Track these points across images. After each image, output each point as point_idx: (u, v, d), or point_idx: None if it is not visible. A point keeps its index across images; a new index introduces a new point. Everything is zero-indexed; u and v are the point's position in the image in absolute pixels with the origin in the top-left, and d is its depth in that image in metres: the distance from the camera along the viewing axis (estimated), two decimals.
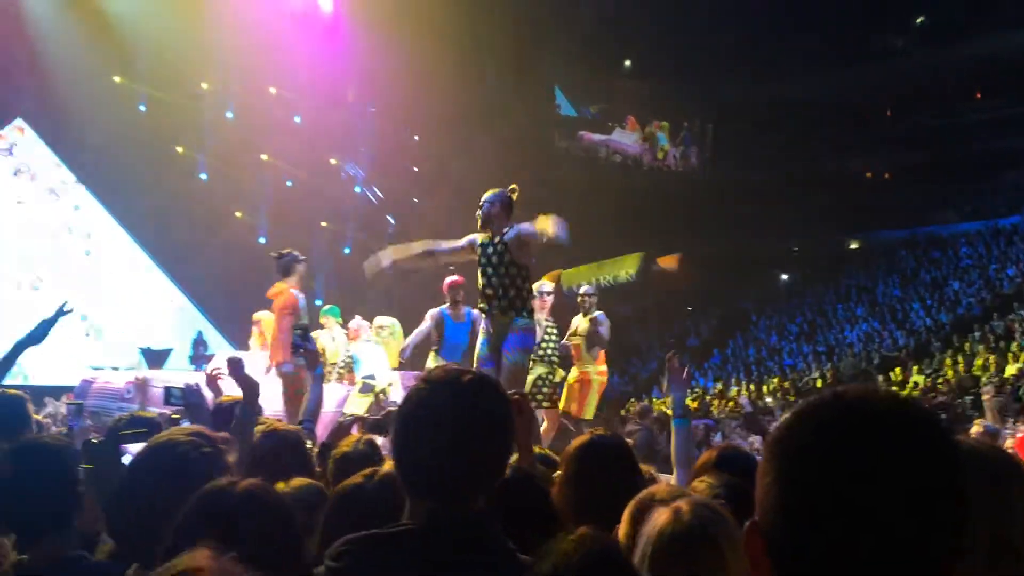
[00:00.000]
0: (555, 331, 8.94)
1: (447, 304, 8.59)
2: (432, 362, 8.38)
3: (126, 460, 2.81)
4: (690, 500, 2.13)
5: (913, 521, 0.88)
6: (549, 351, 8.83)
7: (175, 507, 1.73)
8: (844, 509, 0.89)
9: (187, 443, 2.10)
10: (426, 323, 8.58)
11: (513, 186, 6.83)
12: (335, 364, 9.68)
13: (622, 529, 2.12)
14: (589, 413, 9.09)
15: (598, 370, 9.16)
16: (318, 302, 10.64)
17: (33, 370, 15.16)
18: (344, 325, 9.90)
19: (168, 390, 4.35)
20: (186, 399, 4.11)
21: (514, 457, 2.77)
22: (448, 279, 8.65)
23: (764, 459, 0.98)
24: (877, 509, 0.88)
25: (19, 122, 17.44)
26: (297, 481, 2.52)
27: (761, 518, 0.96)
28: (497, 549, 1.81)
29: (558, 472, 2.77)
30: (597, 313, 9.07)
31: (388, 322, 9.55)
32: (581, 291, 9.30)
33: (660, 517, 2.04)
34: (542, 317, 8.56)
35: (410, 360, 8.96)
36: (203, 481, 1.81)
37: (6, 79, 16.75)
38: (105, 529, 2.61)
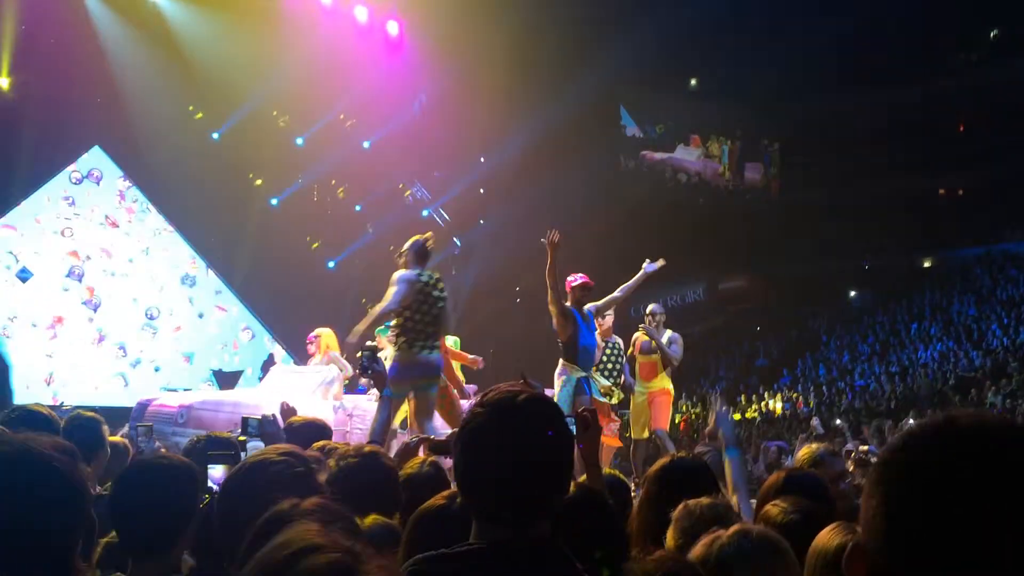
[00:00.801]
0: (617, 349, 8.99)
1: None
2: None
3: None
4: (749, 528, 2.12)
5: None
6: (615, 370, 8.88)
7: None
8: (953, 535, 0.88)
9: (280, 463, 2.13)
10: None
11: (429, 234, 7.38)
12: None
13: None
14: (665, 424, 9.16)
15: (669, 387, 9.23)
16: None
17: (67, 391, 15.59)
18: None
19: (245, 420, 4.40)
20: (263, 429, 4.17)
21: (583, 476, 2.79)
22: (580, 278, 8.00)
23: (871, 481, 0.97)
24: (988, 536, 0.87)
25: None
26: (371, 519, 2.50)
27: (866, 540, 0.96)
28: (562, 570, 1.81)
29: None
30: (670, 332, 9.17)
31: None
32: (648, 310, 9.30)
33: (717, 543, 2.05)
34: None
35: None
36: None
37: (82, 108, 17.22)
38: (189, 548, 2.68)
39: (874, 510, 0.94)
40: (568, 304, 7.84)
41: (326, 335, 9.59)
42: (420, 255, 7.14)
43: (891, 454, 0.97)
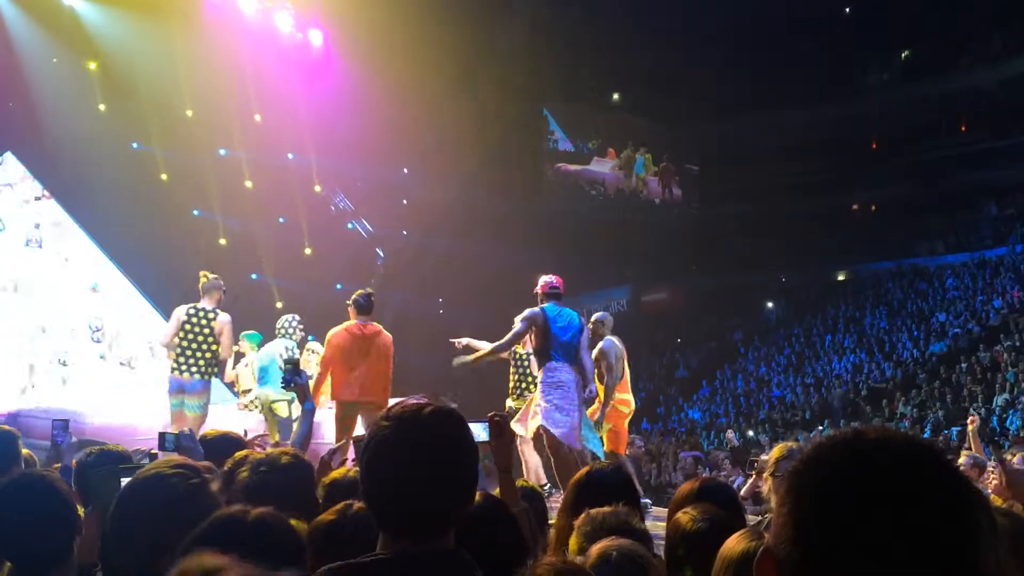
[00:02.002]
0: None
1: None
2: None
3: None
4: (616, 546, 2.19)
5: (925, 561, 0.91)
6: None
7: (168, 539, 1.74)
8: (856, 546, 0.92)
9: (175, 475, 2.10)
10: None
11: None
12: (248, 391, 9.83)
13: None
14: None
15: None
16: (311, 339, 10.69)
17: None
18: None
19: (162, 435, 4.35)
20: (179, 443, 4.13)
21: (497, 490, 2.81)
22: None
23: (783, 490, 1.00)
24: (890, 548, 0.91)
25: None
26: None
27: (775, 546, 0.99)
28: None
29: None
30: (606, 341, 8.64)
31: (321, 348, 9.35)
32: (593, 318, 8.82)
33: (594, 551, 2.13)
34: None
35: None
36: (193, 512, 1.83)
37: None
38: (100, 561, 2.64)
39: (784, 517, 0.98)
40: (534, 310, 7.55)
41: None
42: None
43: (802, 465, 1.00)
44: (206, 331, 8.11)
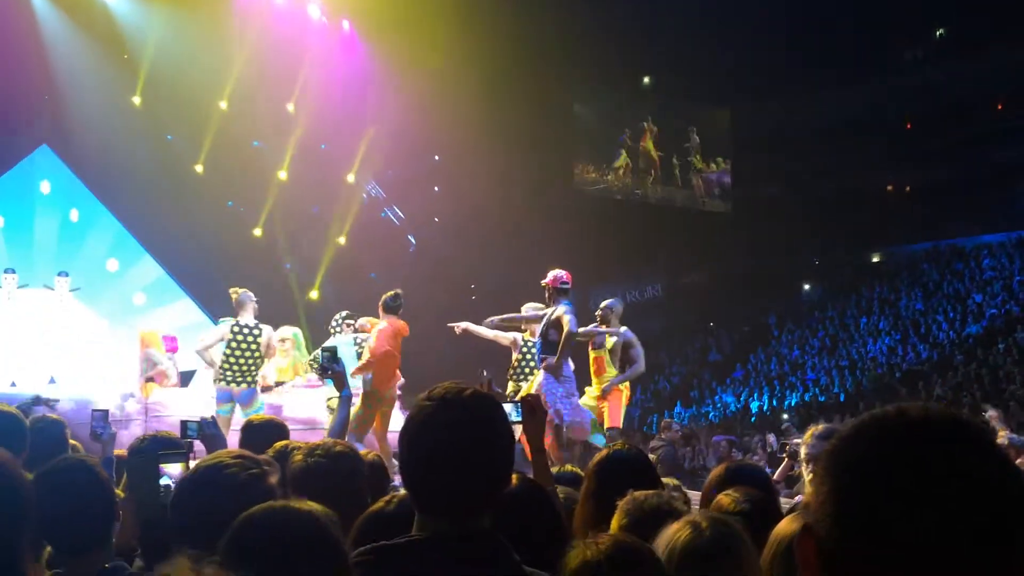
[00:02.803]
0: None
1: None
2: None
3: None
4: (707, 515, 2.18)
5: (971, 538, 0.91)
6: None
7: (223, 528, 1.77)
8: (900, 523, 0.93)
9: (234, 465, 2.16)
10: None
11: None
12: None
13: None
14: (618, 422, 9.03)
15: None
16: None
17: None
18: None
19: (184, 423, 4.38)
20: (202, 431, 4.17)
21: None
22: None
23: (822, 468, 1.01)
24: (935, 525, 0.91)
25: None
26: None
27: (815, 524, 0.99)
28: (502, 563, 1.84)
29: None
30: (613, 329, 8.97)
31: (289, 333, 10.32)
32: (603, 304, 9.09)
33: (680, 531, 2.09)
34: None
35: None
36: (250, 502, 1.86)
37: (27, 107, 16.91)
38: (140, 546, 2.70)
39: (824, 495, 0.99)
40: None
41: (146, 334, 10.61)
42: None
43: (843, 442, 1.00)
44: (253, 346, 8.75)
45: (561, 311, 7.95)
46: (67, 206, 17.66)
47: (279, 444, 3.53)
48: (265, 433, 3.97)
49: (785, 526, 2.22)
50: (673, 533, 2.10)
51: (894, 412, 1.00)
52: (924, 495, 0.92)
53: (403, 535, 1.84)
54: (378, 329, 8.45)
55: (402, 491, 2.36)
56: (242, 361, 8.68)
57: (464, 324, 8.95)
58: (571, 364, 8.04)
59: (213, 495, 2.08)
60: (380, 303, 8.52)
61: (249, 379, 8.74)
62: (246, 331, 8.76)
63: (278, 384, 10.16)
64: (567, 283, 8.14)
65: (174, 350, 10.85)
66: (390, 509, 2.30)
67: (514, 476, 2.02)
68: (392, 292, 8.54)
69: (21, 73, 16.48)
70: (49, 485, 2.39)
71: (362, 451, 3.62)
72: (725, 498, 2.56)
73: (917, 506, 0.92)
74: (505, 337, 9.12)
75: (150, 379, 10.11)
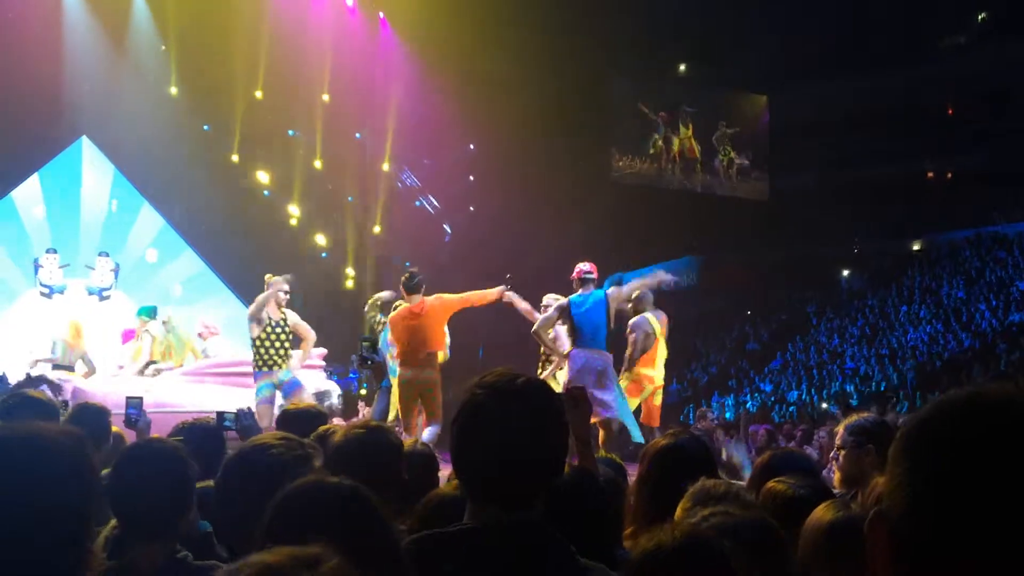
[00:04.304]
0: None
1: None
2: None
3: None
4: (740, 506, 2.13)
5: None
6: None
7: (265, 508, 1.75)
8: (981, 508, 0.89)
9: (279, 446, 2.15)
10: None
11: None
12: (153, 363, 10.56)
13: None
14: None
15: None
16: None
17: None
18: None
19: (220, 414, 4.37)
20: (239, 422, 4.16)
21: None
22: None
23: (896, 451, 0.97)
24: (1013, 511, 0.87)
25: None
26: None
27: (888, 509, 0.96)
28: (555, 553, 1.82)
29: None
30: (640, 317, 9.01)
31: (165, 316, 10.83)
32: (633, 296, 9.02)
33: (712, 519, 2.05)
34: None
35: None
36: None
37: (66, 98, 17.06)
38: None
39: (898, 479, 0.95)
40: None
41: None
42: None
43: (919, 424, 0.97)
44: (284, 333, 8.80)
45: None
46: (107, 197, 17.81)
47: (321, 429, 3.53)
48: (303, 421, 3.96)
49: (820, 514, 2.19)
50: (703, 520, 2.06)
51: (971, 393, 0.96)
52: (1008, 480, 0.88)
53: (455, 524, 1.83)
54: (388, 321, 8.47)
55: None
56: (276, 346, 8.73)
57: (510, 294, 8.81)
58: (592, 356, 7.93)
59: (258, 475, 2.09)
60: (402, 287, 8.47)
61: (281, 365, 8.76)
62: (281, 321, 8.79)
63: (150, 364, 10.45)
64: (591, 273, 8.17)
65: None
66: (461, 494, 2.31)
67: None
68: (407, 273, 8.47)
69: (60, 65, 16.66)
70: (133, 467, 2.40)
71: (407, 440, 3.60)
72: (779, 484, 2.52)
73: (1001, 491, 0.88)
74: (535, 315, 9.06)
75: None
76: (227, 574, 1.12)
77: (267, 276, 9.02)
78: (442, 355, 8.36)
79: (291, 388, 8.72)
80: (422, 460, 3.31)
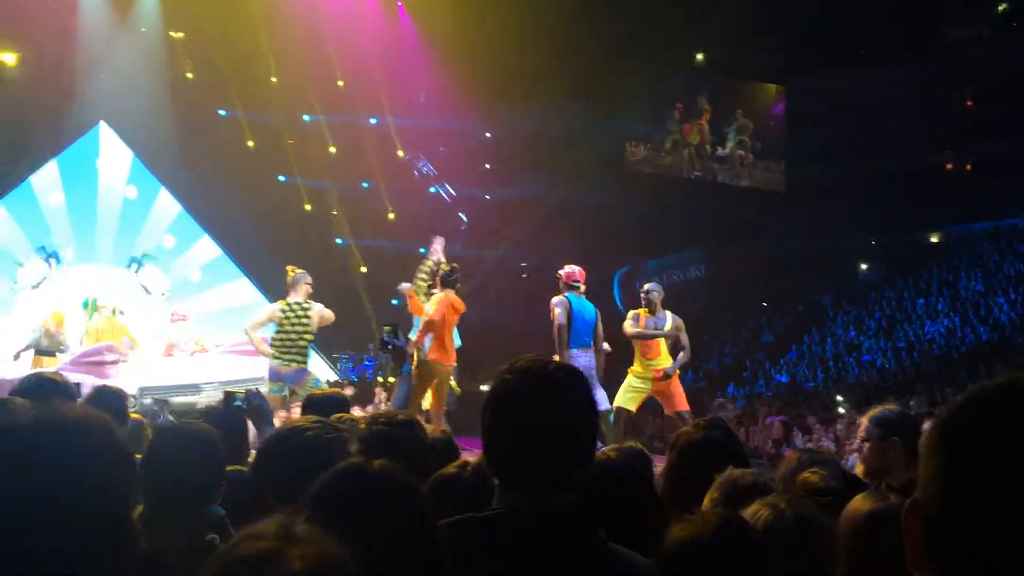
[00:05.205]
0: None
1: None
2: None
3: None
4: (787, 497, 2.12)
5: None
6: None
7: (303, 493, 1.75)
8: (1015, 496, 0.88)
9: (313, 428, 2.16)
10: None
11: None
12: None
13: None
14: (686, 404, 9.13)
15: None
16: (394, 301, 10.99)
17: None
18: None
19: (230, 395, 4.36)
20: (250, 403, 4.16)
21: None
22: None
23: (931, 439, 0.96)
24: None
25: None
26: None
27: (924, 498, 0.95)
28: (586, 539, 1.81)
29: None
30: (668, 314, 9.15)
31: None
32: (645, 287, 9.27)
33: (760, 512, 2.04)
34: None
35: None
36: (328, 464, 1.85)
37: (84, 84, 17.12)
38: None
39: (934, 468, 0.94)
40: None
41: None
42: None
43: (954, 414, 0.96)
44: (304, 321, 8.82)
45: (552, 303, 8.42)
46: (124, 182, 17.88)
47: (335, 416, 3.53)
48: (325, 406, 3.97)
49: (857, 505, 2.17)
50: (753, 513, 2.05)
51: (1006, 382, 0.95)
52: None
53: (486, 509, 1.81)
54: (437, 298, 8.54)
55: (473, 459, 2.35)
56: (293, 337, 8.77)
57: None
58: (585, 356, 8.28)
59: (295, 455, 2.11)
60: (439, 278, 8.69)
61: (299, 359, 8.81)
62: (296, 308, 8.86)
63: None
64: (578, 280, 8.53)
65: None
66: (465, 475, 2.30)
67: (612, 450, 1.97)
68: (448, 266, 8.71)
69: (76, 50, 16.72)
70: (166, 449, 2.43)
71: (428, 428, 3.62)
72: (812, 476, 2.50)
73: None
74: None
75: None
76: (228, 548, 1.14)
77: (289, 268, 9.10)
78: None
79: (297, 377, 8.80)
80: (443, 447, 3.33)
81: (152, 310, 13.87)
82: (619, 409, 8.85)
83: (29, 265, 15.13)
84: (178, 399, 9.37)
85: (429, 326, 8.32)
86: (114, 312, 11.63)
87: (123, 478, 1.48)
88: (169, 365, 11.17)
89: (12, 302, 15.60)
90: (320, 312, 8.96)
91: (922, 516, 0.95)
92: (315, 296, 9.19)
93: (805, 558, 1.96)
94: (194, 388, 10.16)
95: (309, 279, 9.03)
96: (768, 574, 1.83)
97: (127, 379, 9.96)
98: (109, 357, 10.36)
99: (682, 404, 9.00)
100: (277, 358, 8.79)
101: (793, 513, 2.02)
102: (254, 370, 10.05)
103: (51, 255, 12.61)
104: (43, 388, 3.84)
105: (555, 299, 8.45)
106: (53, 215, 17.10)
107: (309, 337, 8.89)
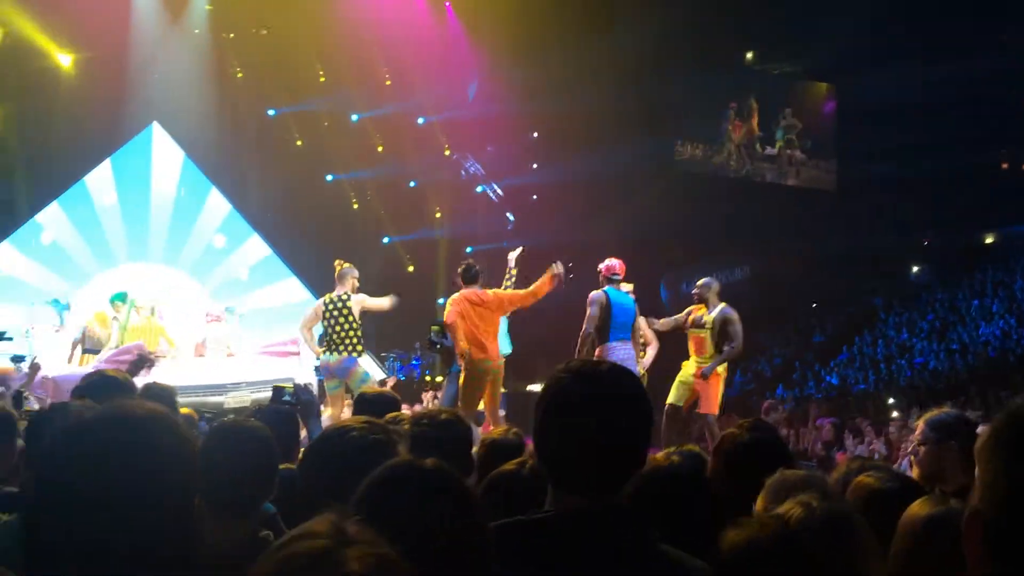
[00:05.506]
0: None
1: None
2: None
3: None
4: (820, 496, 2.09)
5: None
6: None
7: (348, 493, 1.75)
8: None
9: (359, 429, 2.17)
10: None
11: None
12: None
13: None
14: (715, 408, 8.97)
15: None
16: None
17: None
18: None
19: (279, 389, 4.40)
20: (298, 397, 4.19)
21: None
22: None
23: (989, 447, 0.95)
24: None
25: None
26: None
27: (982, 503, 0.95)
28: (639, 540, 1.80)
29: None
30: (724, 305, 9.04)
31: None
32: (699, 283, 9.18)
33: (792, 510, 2.01)
34: None
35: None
36: (373, 464, 1.85)
37: (137, 84, 17.36)
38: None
39: (992, 474, 0.94)
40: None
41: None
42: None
43: (1013, 420, 0.95)
44: (344, 312, 8.97)
45: (589, 298, 8.48)
46: (176, 182, 18.14)
47: (389, 416, 3.53)
48: (377, 406, 3.97)
49: (916, 509, 2.15)
50: (785, 512, 2.02)
51: None
52: None
53: (538, 511, 1.81)
54: (451, 299, 8.59)
55: (532, 459, 2.34)
56: (338, 330, 8.92)
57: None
58: (626, 348, 8.34)
59: (339, 456, 2.12)
60: (459, 275, 8.72)
61: (347, 349, 8.92)
62: (338, 302, 9.02)
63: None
64: (617, 274, 8.59)
65: None
66: (524, 473, 2.30)
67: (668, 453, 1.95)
68: (464, 264, 8.78)
69: (129, 50, 16.97)
70: (223, 445, 2.45)
71: (496, 430, 3.59)
72: (869, 477, 2.47)
73: None
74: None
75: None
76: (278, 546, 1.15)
77: (337, 261, 9.23)
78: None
79: (345, 368, 8.92)
80: (514, 450, 3.29)
81: (188, 314, 14.06)
82: (669, 406, 8.85)
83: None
84: (199, 399, 9.46)
85: (448, 329, 8.37)
86: (152, 312, 11.79)
87: (188, 472, 1.51)
88: (196, 365, 11.31)
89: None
90: (360, 300, 9.07)
91: (982, 525, 0.94)
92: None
93: (838, 556, 1.93)
94: (220, 389, 10.27)
95: (356, 273, 9.20)
96: None
97: (155, 379, 10.09)
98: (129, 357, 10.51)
99: (707, 407, 8.87)
100: (324, 353, 8.97)
101: (825, 510, 1.98)
102: (282, 372, 10.14)
103: (64, 308, 12.82)
104: (107, 386, 3.91)
105: (593, 294, 8.49)
106: (106, 214, 17.41)
107: (354, 327, 8.98)
